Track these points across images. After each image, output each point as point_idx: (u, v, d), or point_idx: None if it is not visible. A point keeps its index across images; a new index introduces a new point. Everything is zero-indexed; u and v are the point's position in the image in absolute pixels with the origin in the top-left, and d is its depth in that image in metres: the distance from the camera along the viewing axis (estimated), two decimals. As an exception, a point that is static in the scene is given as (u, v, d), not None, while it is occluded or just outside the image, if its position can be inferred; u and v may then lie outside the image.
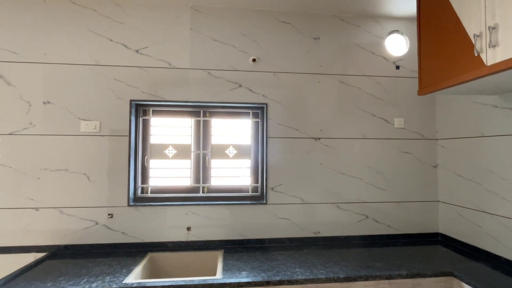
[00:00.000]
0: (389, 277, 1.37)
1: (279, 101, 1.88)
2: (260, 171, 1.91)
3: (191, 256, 1.71)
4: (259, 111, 1.94)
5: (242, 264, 1.51)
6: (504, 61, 1.04)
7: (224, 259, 1.58)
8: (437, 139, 1.99)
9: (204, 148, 1.92)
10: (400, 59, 1.99)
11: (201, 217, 1.80)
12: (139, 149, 1.84)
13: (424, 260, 1.56)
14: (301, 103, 1.90)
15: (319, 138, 1.90)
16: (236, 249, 1.75)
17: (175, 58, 1.82)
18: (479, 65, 1.15)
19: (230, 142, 1.94)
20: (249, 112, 1.95)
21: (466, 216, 1.73)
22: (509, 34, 1.03)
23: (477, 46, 1.15)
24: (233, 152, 1.93)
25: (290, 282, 1.32)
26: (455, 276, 1.38)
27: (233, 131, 1.96)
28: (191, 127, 1.92)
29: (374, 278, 1.36)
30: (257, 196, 1.91)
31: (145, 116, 1.89)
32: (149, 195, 1.85)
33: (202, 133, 1.92)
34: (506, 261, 1.46)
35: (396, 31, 2.01)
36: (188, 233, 1.78)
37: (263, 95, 1.87)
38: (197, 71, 1.83)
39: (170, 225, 1.77)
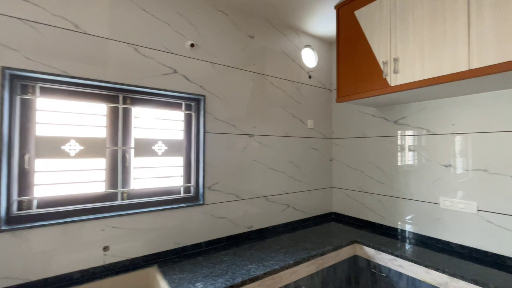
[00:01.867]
0: (322, 254, 1.62)
1: (217, 95, 1.78)
2: (195, 169, 1.73)
3: (113, 283, 1.32)
4: (193, 103, 1.75)
5: (191, 275, 1.33)
6: (403, 84, 1.48)
7: (165, 275, 1.34)
8: (332, 138, 2.51)
9: (124, 143, 1.53)
10: (312, 70, 2.37)
11: (123, 231, 1.43)
12: (14, 144, 1.23)
13: (333, 235, 1.95)
14: (238, 99, 1.88)
15: (253, 135, 1.95)
16: (172, 260, 1.52)
17: (86, 21, 1.34)
18: (385, 85, 1.57)
19: (159, 136, 1.64)
20: (181, 103, 1.72)
21: (353, 196, 2.31)
22: (406, 65, 1.47)
23: (385, 71, 1.57)
24: (162, 149, 1.65)
25: (252, 280, 1.30)
26: (358, 242, 1.82)
27: (163, 124, 1.67)
28: (106, 116, 1.47)
29: (313, 257, 1.57)
30: (192, 197, 1.73)
31: (27, 94, 1.27)
32: (35, 211, 1.27)
33: (121, 125, 1.52)
34: (380, 225, 2.07)
35: (309, 46, 2.37)
36: (105, 254, 1.36)
37: (201, 86, 1.71)
38: (119, 44, 1.43)
39: (77, 247, 1.30)
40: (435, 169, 1.75)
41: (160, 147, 1.64)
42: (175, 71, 1.61)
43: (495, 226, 1.49)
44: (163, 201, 1.62)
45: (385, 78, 1.57)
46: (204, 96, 1.72)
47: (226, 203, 1.80)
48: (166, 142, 1.66)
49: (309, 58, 2.40)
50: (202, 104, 1.72)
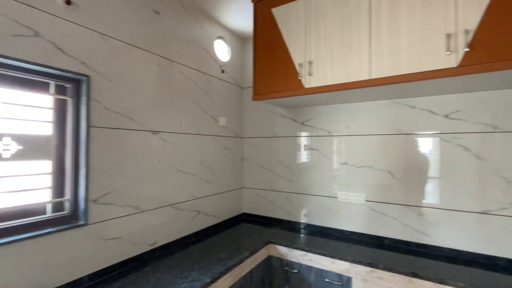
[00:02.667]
0: (240, 262, 1.50)
1: (109, 77, 1.35)
2: (72, 177, 1.25)
3: None
4: (70, 84, 1.26)
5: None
6: (316, 87, 1.54)
7: None
8: (244, 137, 2.46)
9: None
10: (225, 64, 2.22)
11: None
12: None
13: (247, 237, 1.88)
14: (138, 86, 1.50)
15: (157, 132, 1.61)
16: (31, 315, 1.02)
17: None
18: (300, 86, 1.60)
19: (6, 130, 1.08)
20: (48, 83, 1.20)
21: (263, 195, 2.32)
22: (319, 68, 1.54)
23: (300, 73, 1.60)
24: (12, 149, 1.09)
25: (161, 317, 1.01)
26: (271, 242, 1.81)
27: (16, 112, 1.11)
28: None
29: (230, 268, 1.42)
30: (67, 217, 1.24)
31: None
32: None
33: None
34: (288, 222, 2.16)
35: (222, 38, 2.21)
36: None
37: (83, 63, 1.25)
38: None
39: None
40: (335, 167, 1.96)
41: (7, 147, 1.08)
42: (36, 34, 1.09)
43: (376, 213, 1.79)
44: (14, 228, 1.07)
45: (300, 80, 1.61)
46: (88, 76, 1.26)
47: (121, 218, 1.40)
48: (20, 138, 1.11)
49: (222, 51, 2.24)
50: (84, 87, 1.25)
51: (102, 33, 1.32)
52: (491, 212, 1.46)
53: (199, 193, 1.93)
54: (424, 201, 1.64)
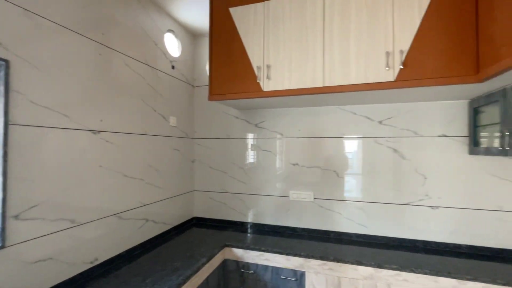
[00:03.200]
0: (197, 270, 1.43)
1: (35, 64, 1.11)
2: (-18, 188, 0.98)
3: None
4: (-21, 70, 0.98)
5: None
6: (275, 90, 1.58)
7: None
8: (194, 138, 2.35)
9: None
10: (175, 60, 2.08)
11: None
12: None
13: (201, 243, 1.80)
14: (73, 77, 1.27)
15: (99, 131, 1.40)
16: None
17: None
18: (259, 89, 1.62)
19: None
20: None
21: (215, 198, 2.27)
22: (277, 73, 1.58)
23: (258, 75, 1.62)
24: None
25: None
26: (227, 245, 1.78)
27: None
28: None
29: (188, 278, 1.34)
30: (-27, 240, 0.96)
31: None
32: None
33: None
34: (242, 223, 2.16)
35: (172, 31, 2.06)
36: None
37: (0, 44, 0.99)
38: None
39: None
40: (287, 167, 2.05)
41: None
42: None
43: (324, 209, 1.95)
44: None
45: (258, 83, 1.62)
46: (6, 61, 1.00)
47: (52, 235, 1.16)
48: None
49: (173, 45, 2.09)
50: (1, 74, 1.00)
51: (26, 9, 1.07)
52: (413, 203, 1.76)
53: (147, 199, 1.76)
54: (362, 196, 1.87)
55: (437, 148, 1.72)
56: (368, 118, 1.86)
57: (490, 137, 1.51)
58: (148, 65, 1.77)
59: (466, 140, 1.67)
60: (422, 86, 1.33)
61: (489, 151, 1.45)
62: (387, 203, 1.81)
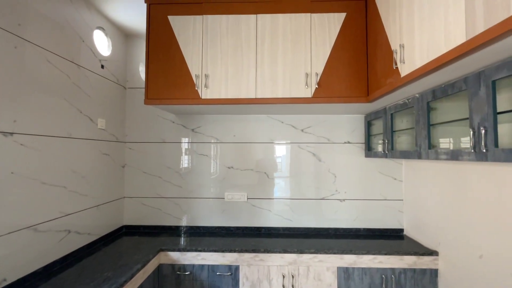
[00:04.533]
0: (131, 276, 1.40)
1: None
2: None
3: None
4: None
5: None
6: (212, 99, 1.70)
7: None
8: (126, 142, 2.24)
9: None
10: (105, 59, 1.96)
11: None
12: None
13: (132, 251, 1.75)
14: (-18, 72, 1.11)
15: (11, 133, 1.24)
16: None
17: None
18: (197, 96, 1.71)
19: None
20: None
21: (149, 204, 2.21)
22: (215, 82, 1.71)
23: (197, 83, 1.71)
24: None
25: None
26: (162, 250, 1.78)
27: None
28: None
29: (121, 285, 1.31)
30: None
31: None
32: None
33: None
34: (177, 227, 2.17)
35: (102, 28, 1.95)
36: None
37: None
38: None
39: None
40: (222, 171, 2.18)
41: None
42: None
43: (256, 208, 2.15)
44: None
45: (197, 90, 1.71)
46: None
47: None
48: None
49: (102, 43, 1.98)
50: None
51: None
52: (327, 198, 2.13)
53: (70, 209, 1.61)
54: (289, 194, 2.15)
55: (343, 152, 2.14)
56: (293, 126, 2.17)
57: (377, 143, 1.99)
58: (74, 63, 1.64)
59: (363, 146, 2.14)
60: (331, 102, 1.68)
61: (376, 154, 1.91)
62: (308, 199, 2.14)
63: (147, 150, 2.22)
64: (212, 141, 2.19)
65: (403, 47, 1.23)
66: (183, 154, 2.21)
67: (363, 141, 2.14)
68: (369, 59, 1.66)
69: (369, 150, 2.08)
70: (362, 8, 1.70)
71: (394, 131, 1.70)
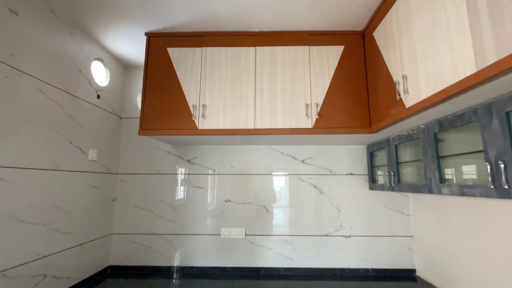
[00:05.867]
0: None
1: None
2: None
3: None
4: None
5: None
6: (209, 129, 1.64)
7: None
8: (118, 174, 2.13)
9: None
10: (102, 89, 1.94)
11: None
12: None
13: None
14: (-35, 102, 1.05)
15: (-10, 167, 1.15)
16: None
17: None
18: (194, 126, 1.65)
19: None
20: None
21: (138, 241, 2.03)
22: (212, 113, 1.66)
23: (194, 114, 1.66)
24: None
25: None
26: (150, 297, 1.59)
27: None
28: None
29: None
30: None
31: None
32: None
33: None
34: (168, 268, 1.98)
35: (101, 59, 1.95)
36: None
37: None
38: None
39: None
40: (219, 204, 2.05)
41: None
42: None
43: (255, 246, 1.99)
44: None
45: (194, 121, 1.66)
46: None
47: None
48: None
49: (100, 74, 1.97)
50: None
51: None
52: (331, 234, 1.98)
53: (49, 249, 1.45)
54: (290, 230, 2.00)
55: (346, 184, 2.04)
56: (293, 157, 2.09)
57: (382, 175, 1.90)
58: (68, 93, 1.60)
59: (366, 177, 2.05)
60: (333, 133, 1.62)
61: (382, 187, 1.81)
62: (311, 235, 1.99)
63: (140, 182, 2.11)
64: (209, 172, 2.09)
65: (406, 78, 1.20)
66: (178, 186, 2.09)
67: (366, 173, 2.05)
68: (369, 90, 1.64)
69: (373, 182, 1.98)
70: (360, 41, 1.72)
71: (400, 163, 1.63)
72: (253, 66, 1.71)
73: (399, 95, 1.25)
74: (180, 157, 2.13)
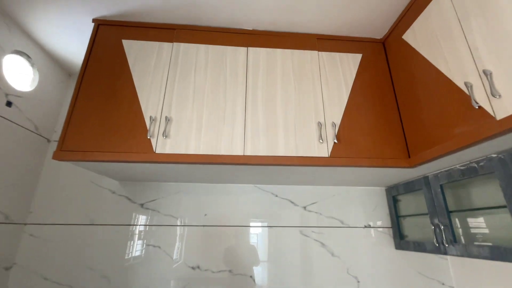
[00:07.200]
0: None
1: None
2: None
3: None
4: None
5: None
6: (173, 154, 1.05)
7: None
8: (26, 224, 1.38)
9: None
10: (19, 96, 1.32)
11: None
12: None
13: None
14: None
15: None
16: None
17: None
18: (148, 149, 1.06)
19: None
20: None
21: None
22: (181, 130, 1.10)
23: (151, 130, 1.08)
24: None
25: None
26: None
27: None
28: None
29: None
30: None
31: None
32: None
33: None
34: None
35: (24, 54, 1.38)
36: None
37: None
38: None
39: None
40: (183, 273, 1.34)
41: None
42: None
43: None
44: None
45: (149, 140, 1.07)
46: None
47: None
48: None
49: (20, 73, 1.37)
50: None
51: None
52: (350, 321, 1.32)
53: None
54: (289, 316, 1.31)
55: (364, 241, 1.46)
56: (292, 202, 1.52)
57: (415, 229, 1.37)
58: None
59: (390, 231, 1.50)
60: (360, 166, 1.11)
61: (419, 247, 1.26)
62: (320, 322, 1.31)
63: (60, 237, 1.37)
64: (172, 223, 1.42)
65: (490, 75, 0.76)
66: (121, 245, 1.37)
67: (389, 225, 1.51)
68: (401, 108, 1.21)
69: (402, 239, 1.43)
70: (380, 50, 1.35)
71: (452, 212, 1.12)
72: (243, 70, 1.24)
73: (477, 102, 0.80)
74: (129, 199, 1.46)
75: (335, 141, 1.12)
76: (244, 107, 1.17)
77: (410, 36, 1.15)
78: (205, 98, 1.17)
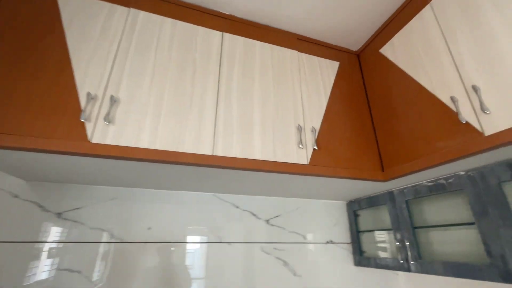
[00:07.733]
0: None
1: None
2: None
3: None
4: None
5: None
6: (116, 146, 0.78)
7: None
8: None
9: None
10: None
11: None
12: None
13: None
14: None
15: None
16: None
17: None
18: (80, 137, 0.76)
19: None
20: None
21: None
22: (131, 115, 0.83)
23: (86, 110, 0.79)
24: None
25: None
26: None
27: None
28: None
29: None
30: None
31: None
32: None
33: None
34: None
35: None
36: None
37: None
38: None
39: None
40: (109, 308, 1.01)
41: None
42: None
43: None
44: None
45: (83, 123, 0.78)
46: None
47: None
48: None
49: None
50: None
51: None
52: None
53: None
54: None
55: (327, 259, 1.38)
56: (254, 214, 1.35)
57: (374, 246, 1.36)
58: None
59: (349, 247, 1.46)
60: (336, 176, 1.02)
61: (383, 264, 1.23)
62: None
63: None
64: (102, 238, 1.08)
65: (478, 90, 0.77)
66: (27, 268, 0.97)
67: (349, 240, 1.47)
68: (375, 121, 1.19)
69: (361, 255, 1.40)
70: (355, 62, 1.35)
71: (417, 227, 1.12)
72: (217, 57, 1.05)
73: (463, 117, 0.80)
74: (40, 205, 1.06)
75: (315, 147, 1.01)
76: (216, 99, 0.97)
77: (388, 50, 1.16)
78: (168, 79, 0.93)
